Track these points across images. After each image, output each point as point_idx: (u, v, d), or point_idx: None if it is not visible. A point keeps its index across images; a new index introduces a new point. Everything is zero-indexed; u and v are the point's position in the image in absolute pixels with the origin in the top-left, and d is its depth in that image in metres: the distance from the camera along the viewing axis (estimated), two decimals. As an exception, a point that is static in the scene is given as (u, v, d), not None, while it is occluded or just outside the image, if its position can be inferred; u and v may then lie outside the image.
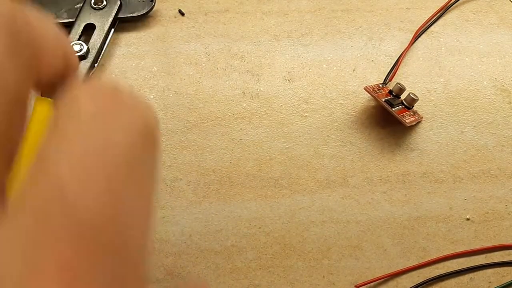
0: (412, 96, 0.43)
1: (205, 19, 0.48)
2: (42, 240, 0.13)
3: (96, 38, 0.45)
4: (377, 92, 0.43)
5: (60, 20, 0.46)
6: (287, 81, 0.46)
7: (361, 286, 0.39)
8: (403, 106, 0.43)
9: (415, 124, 0.44)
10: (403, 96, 0.43)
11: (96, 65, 0.45)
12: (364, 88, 0.43)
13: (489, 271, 0.40)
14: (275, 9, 0.48)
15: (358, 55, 0.47)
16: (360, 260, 0.41)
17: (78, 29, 0.45)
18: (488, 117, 0.44)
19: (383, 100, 0.42)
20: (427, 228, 0.41)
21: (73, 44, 0.44)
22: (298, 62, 0.46)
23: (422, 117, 0.44)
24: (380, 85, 0.44)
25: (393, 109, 0.42)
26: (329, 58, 0.46)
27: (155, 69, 0.46)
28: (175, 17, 0.48)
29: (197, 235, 0.41)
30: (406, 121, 0.42)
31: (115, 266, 0.14)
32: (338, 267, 0.40)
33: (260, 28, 0.48)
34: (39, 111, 0.45)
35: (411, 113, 0.43)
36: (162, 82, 0.45)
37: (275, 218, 0.42)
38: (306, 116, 0.44)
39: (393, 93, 0.43)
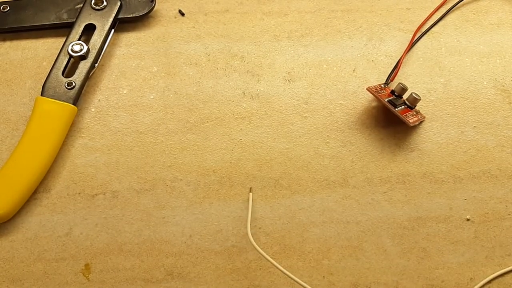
0: (415, 96, 0.43)
1: (205, 19, 0.48)
2: None
3: (96, 38, 0.45)
4: (379, 93, 0.43)
5: (61, 20, 0.46)
6: (287, 81, 0.46)
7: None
8: (406, 106, 0.43)
9: (418, 124, 0.44)
10: (405, 96, 0.43)
11: (96, 65, 0.45)
12: (367, 89, 0.43)
13: (489, 271, 0.40)
14: (275, 9, 0.48)
15: (358, 55, 0.47)
16: (360, 261, 0.41)
17: (79, 29, 0.45)
18: (488, 118, 0.44)
19: (386, 100, 0.42)
20: (427, 229, 0.41)
21: (73, 44, 0.44)
22: (298, 62, 0.46)
23: (424, 117, 0.44)
24: (382, 85, 0.44)
25: (396, 109, 0.42)
26: (329, 58, 0.46)
27: (155, 69, 0.46)
28: (175, 18, 0.48)
29: (197, 235, 0.41)
30: (410, 121, 0.42)
31: None
32: (338, 268, 0.40)
33: (260, 29, 0.48)
34: (39, 109, 0.46)
35: (414, 113, 0.43)
36: (162, 82, 0.45)
37: (275, 218, 0.42)
38: (306, 116, 0.44)
39: (395, 93, 0.43)
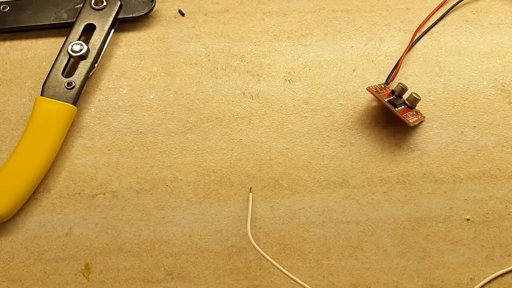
0: (415, 96, 0.43)
1: (205, 19, 0.48)
2: None
3: (96, 38, 0.45)
4: (379, 93, 0.43)
5: (60, 20, 0.46)
6: (287, 81, 0.46)
7: None
8: (406, 106, 0.43)
9: (418, 124, 0.44)
10: (405, 96, 0.43)
11: (96, 65, 0.45)
12: (367, 89, 0.43)
13: (489, 271, 0.40)
14: (275, 9, 0.48)
15: (358, 55, 0.47)
16: (360, 261, 0.41)
17: (78, 29, 0.45)
18: (488, 118, 0.44)
19: (386, 100, 0.42)
20: (427, 229, 0.41)
21: (73, 44, 0.44)
22: (298, 62, 0.46)
23: (424, 117, 0.44)
24: (382, 85, 0.44)
25: (396, 109, 0.42)
26: (329, 58, 0.46)
27: (155, 69, 0.46)
28: (175, 17, 0.48)
29: (197, 235, 0.41)
30: (410, 121, 0.42)
31: None
32: (338, 268, 0.40)
33: (260, 28, 0.48)
34: (39, 109, 0.46)
35: (414, 113, 0.43)
36: (162, 82, 0.45)
37: (275, 218, 0.42)
38: (306, 116, 0.44)
39: (395, 93, 0.43)
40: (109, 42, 0.46)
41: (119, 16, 0.46)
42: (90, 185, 0.42)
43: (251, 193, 0.42)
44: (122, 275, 0.40)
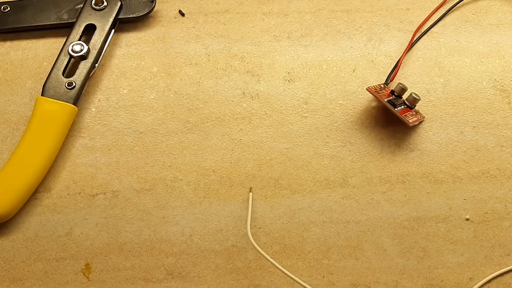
0: (414, 96, 0.43)
1: (205, 20, 0.48)
2: None
3: (97, 38, 0.45)
4: (379, 93, 0.43)
5: (61, 21, 0.46)
6: (287, 81, 0.46)
7: None
8: (405, 106, 0.43)
9: (417, 124, 0.44)
10: (404, 96, 0.43)
11: (96, 65, 0.45)
12: (367, 89, 0.43)
13: (489, 270, 0.40)
14: (275, 9, 0.48)
15: (358, 55, 0.47)
16: (360, 260, 0.41)
17: (79, 29, 0.45)
18: (487, 118, 0.44)
19: (385, 100, 0.42)
20: (427, 228, 0.41)
21: (73, 45, 0.44)
22: (298, 62, 0.46)
23: (424, 117, 0.44)
24: (382, 86, 0.44)
25: (396, 109, 0.42)
26: (329, 58, 0.47)
27: (155, 69, 0.46)
28: (175, 18, 0.48)
29: (197, 235, 0.41)
30: (409, 121, 0.42)
31: None
32: (338, 267, 0.41)
33: (260, 29, 0.48)
34: (40, 109, 0.46)
35: (413, 113, 0.43)
36: (162, 82, 0.45)
37: (275, 218, 0.42)
38: (306, 116, 0.45)
39: (395, 93, 0.43)
40: (109, 42, 0.46)
41: (119, 17, 0.46)
42: (91, 185, 0.42)
43: (251, 193, 0.42)
44: (122, 274, 0.40)
